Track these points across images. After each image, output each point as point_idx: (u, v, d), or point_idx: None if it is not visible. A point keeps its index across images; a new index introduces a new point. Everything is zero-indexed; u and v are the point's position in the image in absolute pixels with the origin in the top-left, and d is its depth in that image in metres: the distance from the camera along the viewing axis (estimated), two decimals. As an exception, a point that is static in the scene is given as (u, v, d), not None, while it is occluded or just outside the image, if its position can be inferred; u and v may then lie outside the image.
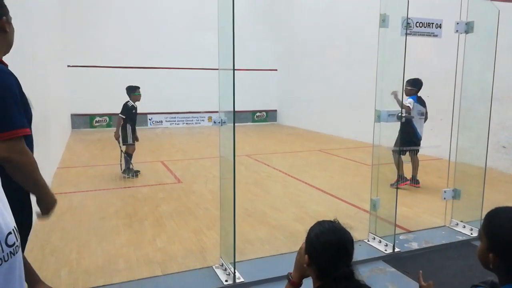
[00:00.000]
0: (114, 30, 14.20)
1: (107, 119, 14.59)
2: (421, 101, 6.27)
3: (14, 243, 1.20)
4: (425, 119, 6.32)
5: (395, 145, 5.11)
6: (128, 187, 6.64)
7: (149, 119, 15.54)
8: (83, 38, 13.48)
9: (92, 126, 14.55)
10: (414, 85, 6.20)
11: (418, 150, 6.36)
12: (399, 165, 5.68)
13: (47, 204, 2.13)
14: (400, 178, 5.99)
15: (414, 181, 6.44)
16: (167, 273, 3.59)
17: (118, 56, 14.12)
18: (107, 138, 11.74)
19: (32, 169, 1.98)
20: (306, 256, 1.63)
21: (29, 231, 2.25)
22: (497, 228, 1.42)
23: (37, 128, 5.57)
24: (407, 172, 6.44)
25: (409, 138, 6.02)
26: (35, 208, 2.19)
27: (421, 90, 6.38)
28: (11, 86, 1.86)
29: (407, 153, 6.33)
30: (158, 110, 15.45)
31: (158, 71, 15.10)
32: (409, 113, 5.78)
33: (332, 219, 1.68)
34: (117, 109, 7.66)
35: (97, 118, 14.66)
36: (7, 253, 1.17)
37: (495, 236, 1.42)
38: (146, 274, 3.52)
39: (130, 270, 3.62)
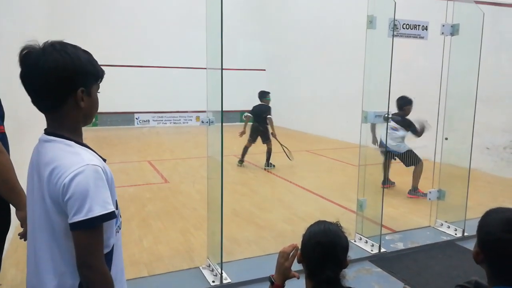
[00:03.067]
0: (101, 28, 14.03)
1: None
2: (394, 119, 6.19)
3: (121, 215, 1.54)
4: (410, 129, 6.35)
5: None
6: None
7: (136, 118, 15.40)
8: (69, 37, 13.17)
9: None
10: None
11: (406, 162, 6.39)
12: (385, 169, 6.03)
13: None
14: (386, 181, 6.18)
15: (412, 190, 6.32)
16: (153, 274, 3.57)
17: (105, 54, 13.78)
18: (93, 137, 11.61)
19: (4, 168, 1.93)
20: (299, 252, 1.63)
21: (8, 229, 2.22)
22: (484, 225, 1.46)
23: (22, 127, 5.49)
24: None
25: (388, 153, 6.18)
26: (15, 222, 2.12)
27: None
28: None
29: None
30: (145, 109, 15.32)
31: (145, 70, 14.98)
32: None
33: (334, 221, 1.65)
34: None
35: (83, 117, 14.48)
36: (120, 222, 1.52)
37: (481, 233, 1.46)
38: (132, 275, 3.48)
39: (116, 271, 3.57)
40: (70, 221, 1.26)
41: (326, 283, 1.50)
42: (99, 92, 1.45)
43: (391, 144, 6.23)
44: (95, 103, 1.43)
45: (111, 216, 1.30)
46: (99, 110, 1.53)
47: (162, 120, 15.69)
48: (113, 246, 1.44)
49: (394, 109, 3.98)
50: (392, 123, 6.19)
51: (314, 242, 1.56)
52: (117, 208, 1.43)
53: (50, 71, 1.27)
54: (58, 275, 1.34)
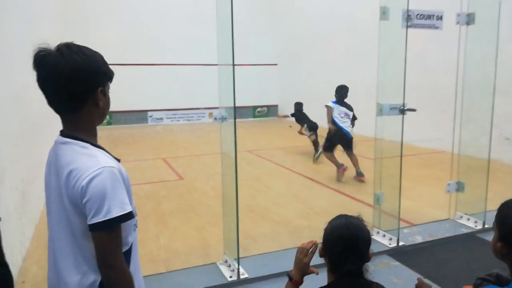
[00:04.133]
0: (113, 27, 14.16)
1: (108, 117, 14.58)
2: (343, 105, 6.96)
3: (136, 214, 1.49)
4: (353, 119, 6.97)
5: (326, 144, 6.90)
6: (130, 185, 6.64)
7: (150, 116, 15.52)
8: (80, 36, 13.36)
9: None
10: (336, 92, 7.06)
11: (351, 147, 6.83)
12: (331, 158, 6.90)
13: None
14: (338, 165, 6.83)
15: (358, 174, 6.71)
16: (171, 270, 3.60)
17: (117, 53, 14.04)
18: (108, 136, 11.76)
19: None
20: (321, 247, 1.62)
21: None
22: (505, 218, 1.43)
23: (38, 128, 5.58)
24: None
25: (340, 136, 6.76)
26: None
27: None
28: None
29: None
30: (158, 107, 15.43)
31: (158, 68, 15.06)
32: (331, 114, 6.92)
33: (356, 215, 1.64)
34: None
35: (98, 116, 14.67)
36: (136, 221, 1.50)
37: (503, 225, 1.43)
38: (150, 272, 3.52)
39: (134, 268, 3.61)
40: (89, 223, 1.28)
41: (349, 276, 1.49)
42: (109, 92, 1.48)
43: (349, 128, 6.85)
44: (109, 102, 1.46)
45: (129, 216, 1.33)
46: (114, 109, 1.56)
47: (175, 118, 15.79)
48: (131, 244, 1.46)
49: (408, 100, 3.92)
50: (344, 109, 6.93)
51: (336, 236, 1.56)
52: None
53: (73, 73, 1.30)
54: (81, 273, 1.36)
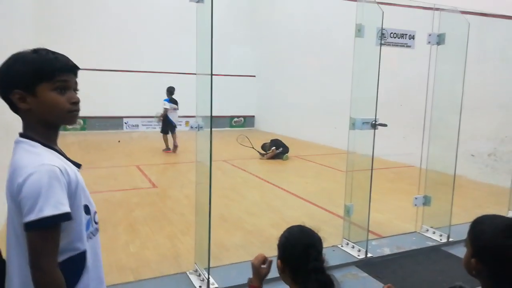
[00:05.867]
0: (91, 33, 13.97)
1: (81, 121, 14.28)
2: (174, 101, 10.60)
3: (97, 222, 1.51)
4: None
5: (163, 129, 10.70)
6: (101, 192, 6.51)
7: (125, 123, 15.30)
8: (59, 41, 13.13)
9: (66, 129, 14.18)
10: (168, 91, 10.62)
11: (174, 130, 10.69)
12: (166, 141, 10.63)
13: None
14: (167, 148, 10.60)
15: (174, 146, 10.60)
16: (140, 279, 3.54)
17: (94, 59, 13.86)
18: (81, 142, 11.52)
19: None
20: (279, 261, 1.67)
21: None
22: (479, 234, 1.43)
23: (9, 130, 5.42)
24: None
25: (169, 126, 10.54)
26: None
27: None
28: None
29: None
30: (134, 114, 15.24)
31: (135, 75, 14.91)
32: (165, 110, 10.63)
33: (299, 224, 1.77)
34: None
35: (71, 121, 14.30)
36: (95, 229, 1.48)
37: (478, 241, 1.43)
38: (118, 280, 3.46)
39: (102, 276, 3.54)
40: (23, 222, 1.23)
41: (315, 272, 1.56)
42: (77, 91, 1.43)
43: (174, 118, 10.59)
44: (46, 103, 1.34)
45: (64, 217, 1.25)
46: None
47: (151, 125, 15.60)
48: (85, 252, 1.39)
49: (380, 116, 4.04)
50: (174, 105, 10.55)
51: (293, 240, 1.67)
52: (88, 214, 1.41)
53: None
54: (23, 276, 1.30)
